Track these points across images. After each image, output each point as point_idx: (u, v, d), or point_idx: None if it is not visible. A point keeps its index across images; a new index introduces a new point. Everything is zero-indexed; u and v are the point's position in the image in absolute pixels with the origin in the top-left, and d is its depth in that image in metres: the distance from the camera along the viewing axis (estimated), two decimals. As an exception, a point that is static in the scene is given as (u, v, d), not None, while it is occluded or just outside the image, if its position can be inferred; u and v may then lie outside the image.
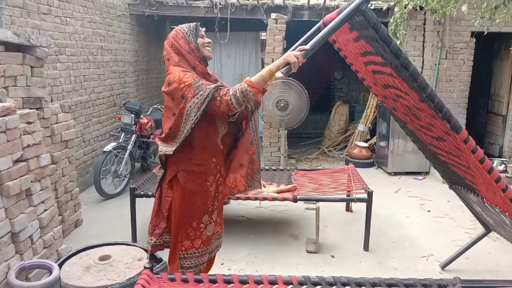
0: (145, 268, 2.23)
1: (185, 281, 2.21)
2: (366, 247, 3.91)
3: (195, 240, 2.45)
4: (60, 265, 2.80)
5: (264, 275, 2.23)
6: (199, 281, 2.21)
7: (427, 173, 6.48)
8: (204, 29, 2.59)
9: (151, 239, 2.51)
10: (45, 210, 3.14)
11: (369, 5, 2.01)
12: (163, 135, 2.41)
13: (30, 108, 3.25)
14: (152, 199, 2.75)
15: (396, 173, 6.48)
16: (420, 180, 6.27)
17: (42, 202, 3.11)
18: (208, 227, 2.49)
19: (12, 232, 2.71)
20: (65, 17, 4.91)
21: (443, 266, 3.56)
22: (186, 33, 2.39)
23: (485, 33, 5.54)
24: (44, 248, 3.09)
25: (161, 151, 2.39)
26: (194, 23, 2.44)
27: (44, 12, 4.46)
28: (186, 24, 2.45)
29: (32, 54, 3.32)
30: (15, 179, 2.72)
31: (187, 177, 2.40)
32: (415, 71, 2.14)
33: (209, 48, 2.44)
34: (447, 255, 3.60)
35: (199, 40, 2.40)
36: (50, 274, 2.70)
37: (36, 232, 2.98)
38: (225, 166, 2.53)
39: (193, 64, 2.36)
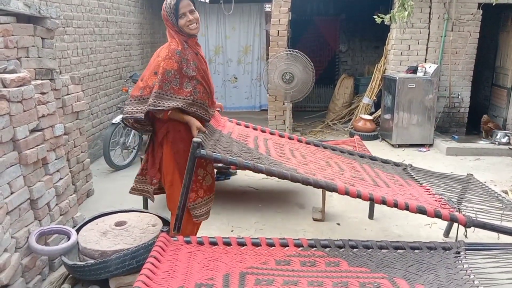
0: (162, 231, 2.33)
1: (200, 243, 2.31)
2: (371, 216, 4.02)
3: (198, 191, 2.69)
4: (77, 231, 2.91)
5: (276, 238, 2.33)
6: (213, 244, 2.31)
7: (431, 145, 6.54)
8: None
9: (152, 188, 2.78)
10: (60, 178, 3.23)
11: (200, 153, 2.33)
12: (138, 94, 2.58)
13: (42, 79, 3.29)
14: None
15: (400, 145, 6.55)
16: (424, 152, 6.34)
17: (58, 171, 3.19)
18: (206, 178, 2.73)
19: (31, 199, 2.80)
20: (71, -12, 4.90)
21: (446, 233, 3.67)
22: (169, 15, 2.52)
23: (493, 4, 5.51)
24: (60, 215, 3.19)
25: (130, 113, 2.57)
26: (174, 0, 2.49)
27: (51, -17, 4.45)
28: (168, 1, 2.52)
29: (42, 26, 3.34)
30: (32, 148, 2.79)
31: (176, 137, 2.62)
32: (268, 170, 2.40)
33: (192, 26, 2.54)
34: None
35: (180, 22, 2.51)
36: (68, 239, 2.82)
37: (52, 199, 3.07)
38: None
39: (184, 40, 2.56)
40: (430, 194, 2.71)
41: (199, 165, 2.64)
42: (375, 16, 4.73)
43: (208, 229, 3.62)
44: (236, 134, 2.97)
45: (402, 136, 6.55)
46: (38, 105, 2.94)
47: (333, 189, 2.37)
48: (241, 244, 2.30)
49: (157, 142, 2.69)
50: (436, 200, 2.61)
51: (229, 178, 5.02)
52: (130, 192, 2.92)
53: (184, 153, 2.57)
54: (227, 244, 2.30)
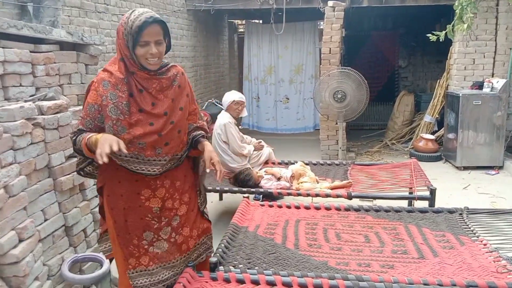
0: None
1: (227, 280, 2.16)
2: (428, 248, 3.63)
3: (141, 257, 2.11)
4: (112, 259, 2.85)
5: (309, 279, 2.10)
6: (240, 281, 2.14)
7: (500, 167, 5.94)
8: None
9: (100, 245, 2.39)
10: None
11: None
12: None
13: (85, 105, 3.34)
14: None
15: (465, 168, 6.02)
16: (492, 175, 5.77)
17: (96, 196, 3.19)
18: (156, 244, 2.12)
19: (66, 225, 2.79)
20: (122, 15, 5.02)
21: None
22: (125, 35, 1.90)
23: None
24: (98, 241, 3.17)
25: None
26: (139, 21, 1.86)
27: (101, 11, 4.59)
28: (132, 16, 1.89)
29: (86, 52, 3.40)
30: (67, 174, 2.79)
31: (113, 189, 2.09)
32: (290, 275, 2.20)
33: (153, 60, 1.94)
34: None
35: (139, 51, 1.90)
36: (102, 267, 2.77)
37: (89, 225, 3.06)
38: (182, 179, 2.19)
39: (132, 70, 1.98)
40: (487, 252, 2.37)
41: (145, 226, 2.09)
42: (429, 35, 4.36)
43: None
44: (264, 227, 2.82)
45: (467, 158, 6.01)
46: (76, 131, 2.96)
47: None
48: (271, 284, 2.11)
49: (96, 189, 2.24)
50: (494, 260, 2.27)
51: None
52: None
53: (122, 211, 2.07)
54: (255, 283, 2.12)
